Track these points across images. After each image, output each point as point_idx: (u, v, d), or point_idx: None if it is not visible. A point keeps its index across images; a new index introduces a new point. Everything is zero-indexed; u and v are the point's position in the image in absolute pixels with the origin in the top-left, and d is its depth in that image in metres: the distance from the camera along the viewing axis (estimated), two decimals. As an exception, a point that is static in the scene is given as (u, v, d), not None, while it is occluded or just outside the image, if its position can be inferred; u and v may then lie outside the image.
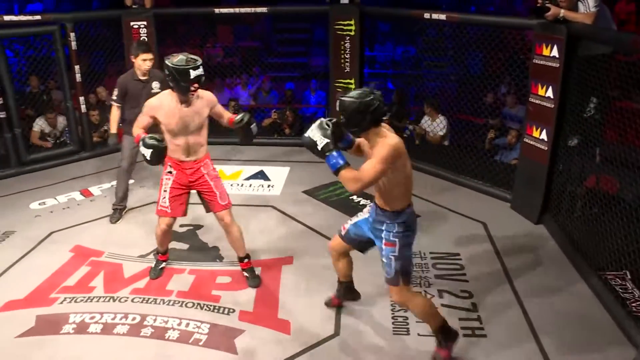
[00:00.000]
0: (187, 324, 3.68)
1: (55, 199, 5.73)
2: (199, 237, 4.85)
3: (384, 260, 3.18)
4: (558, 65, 4.57)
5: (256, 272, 4.22)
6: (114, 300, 3.95)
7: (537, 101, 4.84)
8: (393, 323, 3.67)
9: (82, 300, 3.96)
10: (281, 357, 3.40)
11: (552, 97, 4.68)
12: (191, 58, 3.62)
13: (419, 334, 3.55)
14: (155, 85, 4.98)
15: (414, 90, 7.55)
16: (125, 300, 3.95)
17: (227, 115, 3.94)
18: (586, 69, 4.31)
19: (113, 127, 5.08)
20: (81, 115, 6.77)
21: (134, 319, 3.74)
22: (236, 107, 7.93)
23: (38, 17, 6.44)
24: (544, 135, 4.83)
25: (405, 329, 3.62)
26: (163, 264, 4.36)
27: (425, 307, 3.28)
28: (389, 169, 2.92)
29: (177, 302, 3.92)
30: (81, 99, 6.71)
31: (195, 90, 3.65)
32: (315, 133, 2.95)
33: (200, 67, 3.59)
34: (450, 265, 4.38)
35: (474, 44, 5.89)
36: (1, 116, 6.17)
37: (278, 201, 5.63)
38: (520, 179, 5.22)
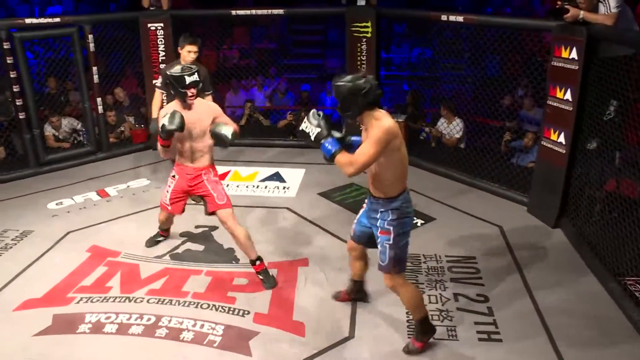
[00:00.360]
0: (202, 325, 3.69)
1: (72, 199, 5.78)
2: (215, 239, 4.86)
3: (379, 247, 3.24)
4: (577, 67, 4.51)
5: (270, 273, 4.23)
6: (130, 301, 3.97)
7: (555, 104, 4.78)
8: (408, 327, 3.64)
9: (98, 300, 3.99)
10: (296, 359, 3.40)
11: (570, 99, 4.63)
12: (187, 66, 3.97)
13: (433, 338, 3.52)
14: None
15: (430, 93, 7.51)
16: (141, 301, 3.97)
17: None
18: (606, 71, 4.25)
19: (154, 112, 5.23)
20: (98, 116, 6.83)
21: (149, 319, 3.75)
22: (252, 108, 7.95)
23: (57, 20, 6.51)
24: (562, 138, 4.78)
25: (420, 333, 3.59)
26: (161, 238, 4.82)
27: (414, 297, 3.36)
28: (384, 150, 2.97)
29: (192, 303, 3.93)
30: (98, 100, 6.77)
31: (192, 96, 3.92)
32: (308, 124, 3.06)
33: (196, 74, 3.90)
34: (466, 269, 4.35)
35: (491, 46, 5.84)
36: (20, 117, 6.25)
37: (293, 203, 5.62)
38: (537, 182, 5.17)
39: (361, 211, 3.48)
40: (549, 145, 4.92)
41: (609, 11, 4.33)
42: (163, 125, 3.78)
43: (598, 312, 3.80)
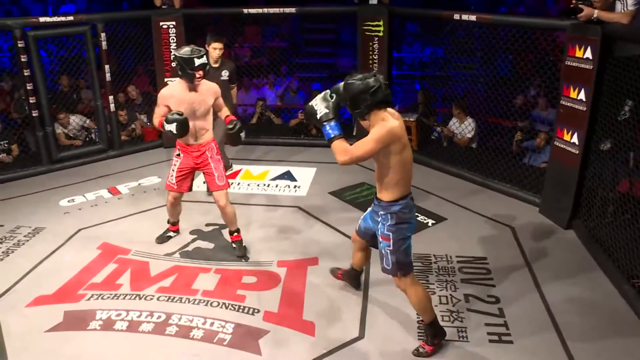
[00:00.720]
0: (212, 324, 3.69)
1: (84, 196, 5.82)
2: (225, 237, 4.86)
3: (382, 252, 3.27)
4: (591, 67, 4.46)
5: (244, 244, 4.59)
6: (140, 298, 3.98)
7: (569, 104, 4.74)
8: (418, 327, 3.62)
9: (108, 297, 4.00)
10: (305, 359, 3.38)
11: (584, 99, 4.58)
12: (196, 49, 4.11)
13: (443, 339, 3.51)
14: (225, 73, 5.58)
15: (442, 92, 7.48)
16: (151, 299, 3.98)
17: (224, 112, 4.42)
18: (622, 70, 4.19)
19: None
20: (110, 114, 6.86)
21: (159, 317, 3.76)
22: (263, 107, 7.95)
23: (71, 18, 6.55)
24: (575, 139, 4.73)
25: (430, 334, 3.57)
26: (171, 234, 4.88)
27: (423, 299, 3.34)
28: (382, 150, 3.00)
29: (202, 301, 3.94)
30: (110, 98, 6.80)
31: (200, 77, 4.11)
32: (317, 103, 3.05)
33: (204, 56, 4.08)
34: (477, 270, 4.32)
35: (503, 46, 5.80)
36: (34, 115, 6.29)
37: (304, 202, 5.62)
38: (549, 183, 5.13)
39: (369, 209, 3.51)
40: (561, 146, 4.88)
41: (625, 9, 4.27)
42: (170, 131, 4.01)
43: (611, 315, 3.76)
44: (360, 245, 3.72)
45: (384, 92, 3.00)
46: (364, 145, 2.97)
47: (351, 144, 2.99)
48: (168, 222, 4.85)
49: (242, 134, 4.33)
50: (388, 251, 3.23)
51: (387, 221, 3.18)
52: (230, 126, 4.27)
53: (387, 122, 3.00)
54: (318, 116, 3.03)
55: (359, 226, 3.60)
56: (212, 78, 5.30)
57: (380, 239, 3.26)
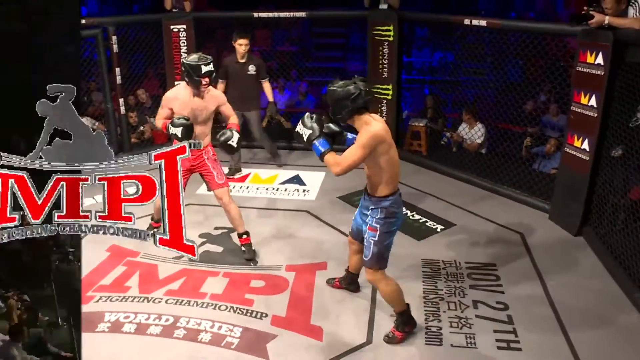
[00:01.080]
0: (220, 327, 3.69)
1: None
2: (233, 240, 4.87)
3: (365, 243, 3.43)
4: (603, 72, 4.44)
5: (252, 247, 4.55)
6: (148, 301, 3.99)
7: (580, 110, 4.71)
8: (426, 333, 3.61)
9: (117, 299, 4.02)
10: (312, 364, 3.38)
11: (595, 105, 4.55)
12: (203, 56, 4.13)
13: (451, 345, 3.50)
14: (252, 68, 5.79)
15: (451, 97, 7.46)
16: (160, 301, 3.99)
17: (231, 120, 4.41)
18: (633, 76, 4.16)
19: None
20: (120, 116, 6.89)
21: (167, 320, 3.77)
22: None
23: (82, 21, 6.58)
24: (585, 145, 4.70)
25: (437, 339, 3.56)
26: (154, 231, 4.68)
27: (393, 292, 3.48)
28: (370, 154, 3.15)
29: (210, 304, 3.94)
30: (121, 100, 6.84)
31: (206, 85, 4.13)
32: (301, 127, 3.29)
33: (211, 64, 4.10)
34: (486, 276, 4.30)
35: (513, 51, 5.78)
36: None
37: (313, 206, 5.62)
38: (559, 189, 5.10)
39: (358, 208, 3.62)
40: (572, 152, 4.85)
41: (637, 14, 4.25)
42: (175, 134, 3.98)
43: (622, 323, 3.73)
44: (356, 248, 3.81)
45: (363, 98, 3.15)
46: (352, 155, 3.15)
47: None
48: (152, 219, 4.81)
49: (232, 142, 4.16)
50: (372, 241, 3.36)
51: (377, 214, 3.32)
52: (218, 136, 4.20)
53: (370, 126, 3.15)
54: (305, 138, 3.25)
55: (351, 227, 3.73)
56: (240, 73, 5.64)
57: (367, 230, 3.38)
